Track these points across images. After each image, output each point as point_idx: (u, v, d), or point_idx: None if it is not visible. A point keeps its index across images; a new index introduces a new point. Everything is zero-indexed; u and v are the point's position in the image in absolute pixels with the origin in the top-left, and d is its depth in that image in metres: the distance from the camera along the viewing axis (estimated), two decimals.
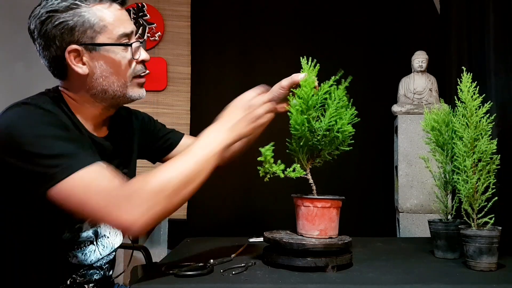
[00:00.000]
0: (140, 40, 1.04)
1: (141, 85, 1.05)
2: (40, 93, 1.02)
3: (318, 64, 1.08)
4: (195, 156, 0.95)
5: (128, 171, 1.14)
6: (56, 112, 0.95)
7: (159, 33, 2.84)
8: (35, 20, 0.95)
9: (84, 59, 0.97)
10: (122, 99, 1.03)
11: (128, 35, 1.00)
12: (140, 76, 1.04)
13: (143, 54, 1.04)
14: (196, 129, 2.82)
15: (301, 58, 1.10)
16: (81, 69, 0.97)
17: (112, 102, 1.03)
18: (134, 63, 1.02)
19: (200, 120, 2.84)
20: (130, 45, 1.00)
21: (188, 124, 2.83)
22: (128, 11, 2.84)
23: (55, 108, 0.97)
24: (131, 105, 1.16)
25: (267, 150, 1.05)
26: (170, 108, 2.84)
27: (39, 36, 0.96)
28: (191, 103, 2.84)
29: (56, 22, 0.94)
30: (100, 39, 0.96)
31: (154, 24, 2.84)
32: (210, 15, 2.87)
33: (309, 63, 1.09)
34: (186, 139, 1.33)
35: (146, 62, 1.05)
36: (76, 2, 0.94)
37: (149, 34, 2.83)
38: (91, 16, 0.95)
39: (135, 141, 1.22)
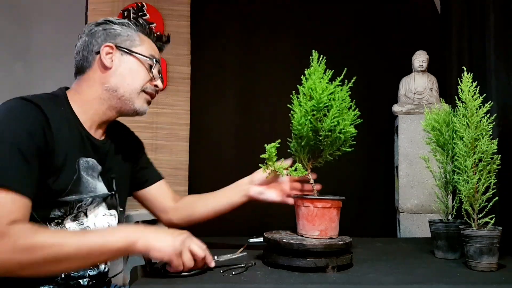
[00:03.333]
0: (161, 75, 1.19)
1: (147, 102, 1.16)
2: (44, 93, 1.07)
3: (324, 57, 1.09)
4: (88, 244, 0.90)
5: (116, 176, 1.16)
6: (48, 109, 0.97)
7: (159, 32, 2.83)
8: (92, 24, 1.12)
9: (114, 57, 1.10)
10: (126, 104, 1.12)
11: (156, 60, 1.16)
12: (149, 93, 1.15)
13: (159, 81, 1.17)
14: (196, 129, 2.83)
15: (313, 51, 1.10)
16: (108, 61, 1.09)
17: (117, 103, 1.11)
18: (149, 81, 1.14)
19: (200, 120, 2.84)
20: (156, 62, 1.15)
21: (188, 124, 2.83)
22: (128, 10, 2.84)
23: (51, 103, 1.01)
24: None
25: (272, 147, 1.05)
26: (170, 108, 2.84)
27: (87, 34, 1.11)
28: (191, 103, 2.84)
29: (107, 27, 1.12)
30: (134, 50, 1.13)
31: (153, 23, 2.84)
32: (210, 15, 2.87)
33: (319, 59, 1.09)
34: (162, 185, 1.35)
35: (158, 89, 1.17)
36: (130, 23, 1.15)
37: None
38: (135, 35, 1.14)
39: (133, 154, 1.28)
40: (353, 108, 1.09)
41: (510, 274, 1.01)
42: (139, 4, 2.85)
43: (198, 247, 0.96)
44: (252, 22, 2.85)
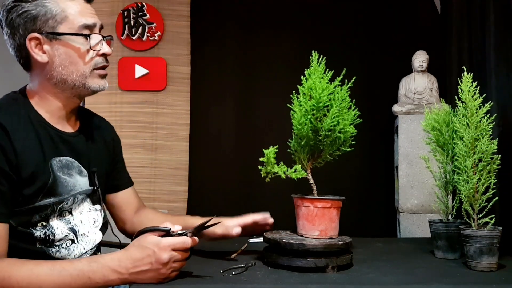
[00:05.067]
0: (104, 35, 1.05)
1: (102, 77, 1.06)
2: (6, 95, 1.05)
3: (324, 58, 1.09)
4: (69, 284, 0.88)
5: (97, 170, 1.11)
6: (7, 118, 0.94)
7: (159, 32, 2.84)
8: (3, 10, 1.00)
9: (45, 47, 1.00)
10: (82, 90, 1.04)
11: (89, 27, 1.02)
12: (100, 68, 1.05)
13: (104, 48, 1.05)
14: (196, 129, 2.82)
15: (313, 52, 1.09)
16: (40, 57, 1.00)
17: (73, 92, 1.04)
18: (93, 54, 1.03)
19: (200, 120, 2.84)
20: (89, 35, 1.02)
21: (188, 124, 2.83)
22: (128, 10, 2.84)
23: (12, 109, 0.98)
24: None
25: (270, 152, 1.05)
26: (170, 108, 2.84)
27: (5, 25, 1.00)
28: (191, 103, 2.84)
29: (21, 11, 0.98)
30: (61, 29, 1.00)
31: (153, 23, 2.84)
32: (210, 15, 2.87)
33: (319, 60, 1.09)
34: (130, 193, 1.27)
35: (107, 55, 1.06)
36: None
37: (148, 34, 2.83)
38: (54, 7, 0.99)
39: (109, 146, 1.21)
40: (353, 108, 1.09)
41: (510, 274, 1.01)
42: (139, 4, 2.84)
43: (178, 254, 0.90)
44: (252, 22, 2.85)
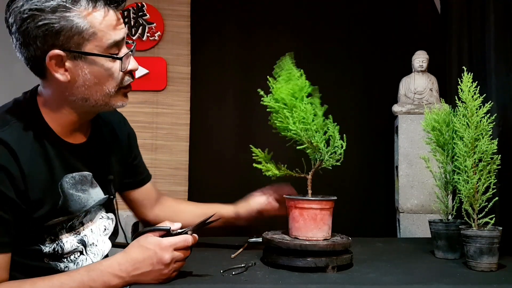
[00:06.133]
0: (131, 48, 0.97)
1: (125, 95, 0.99)
2: (14, 101, 0.98)
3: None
4: None
5: (113, 178, 1.08)
6: (14, 135, 0.89)
7: (159, 32, 2.84)
8: (16, 15, 0.86)
9: (67, 65, 0.89)
10: (103, 108, 0.97)
11: (118, 43, 0.92)
12: (126, 87, 0.98)
13: (132, 63, 0.96)
14: (196, 129, 2.82)
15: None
16: (62, 76, 0.89)
17: (91, 109, 0.98)
18: (121, 74, 0.95)
19: (200, 120, 2.84)
20: (120, 59, 0.93)
21: (188, 124, 2.83)
22: (128, 10, 2.84)
23: (19, 123, 0.92)
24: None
25: (256, 151, 1.09)
26: (170, 108, 2.84)
27: (18, 31, 0.87)
28: (191, 103, 2.84)
29: (40, 23, 0.85)
30: (88, 47, 0.89)
31: (153, 23, 2.84)
32: (210, 15, 2.87)
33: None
34: (150, 187, 1.26)
35: (134, 71, 0.98)
36: (66, 4, 0.85)
37: (148, 34, 2.83)
38: (81, 22, 0.86)
39: (125, 145, 1.17)
40: (317, 113, 1.11)
41: (510, 274, 1.01)
42: (139, 4, 2.84)
43: (179, 253, 0.90)
44: (252, 22, 2.85)
